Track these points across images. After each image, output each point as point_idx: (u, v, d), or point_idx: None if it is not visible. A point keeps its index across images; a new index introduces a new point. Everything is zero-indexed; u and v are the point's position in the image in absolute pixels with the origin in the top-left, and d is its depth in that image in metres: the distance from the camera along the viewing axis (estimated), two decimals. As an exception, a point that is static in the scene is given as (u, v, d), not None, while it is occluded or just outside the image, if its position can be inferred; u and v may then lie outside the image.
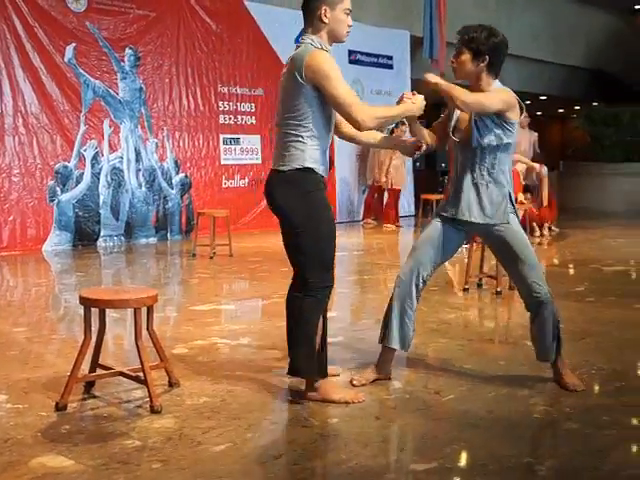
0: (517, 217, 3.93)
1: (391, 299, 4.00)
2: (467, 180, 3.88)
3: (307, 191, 3.54)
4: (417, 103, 3.70)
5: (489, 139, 3.79)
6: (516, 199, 9.22)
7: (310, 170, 3.54)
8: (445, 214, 3.97)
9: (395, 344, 3.99)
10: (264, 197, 3.72)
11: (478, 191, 3.86)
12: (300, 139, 3.53)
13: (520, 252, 3.86)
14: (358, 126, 3.51)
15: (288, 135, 3.56)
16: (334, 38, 3.62)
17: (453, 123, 3.93)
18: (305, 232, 3.54)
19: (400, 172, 12.83)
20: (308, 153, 3.53)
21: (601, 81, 20.67)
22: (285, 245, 3.69)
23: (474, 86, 3.86)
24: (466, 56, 3.81)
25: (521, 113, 3.84)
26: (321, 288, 3.63)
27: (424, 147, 3.99)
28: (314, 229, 3.53)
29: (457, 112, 3.90)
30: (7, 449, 3.09)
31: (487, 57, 3.78)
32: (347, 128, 3.83)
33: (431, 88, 3.74)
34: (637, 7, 25.18)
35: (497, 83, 3.87)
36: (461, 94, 3.67)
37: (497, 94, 3.80)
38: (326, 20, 3.55)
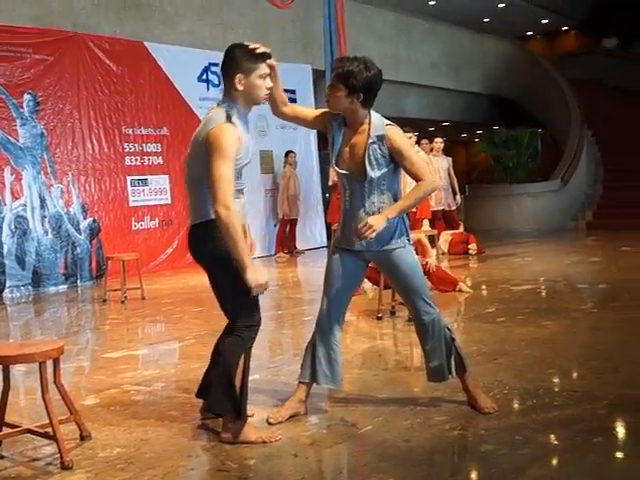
0: (409, 240, 3.97)
1: (314, 341, 4.02)
2: (359, 210, 3.90)
3: (220, 238, 3.52)
4: None
5: (382, 172, 3.83)
6: (421, 220, 9.47)
7: None
8: (342, 246, 4.01)
9: (328, 383, 4.03)
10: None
11: None
12: (209, 196, 3.54)
13: (410, 274, 3.93)
14: (214, 204, 3.41)
15: (198, 194, 3.60)
16: (251, 102, 3.68)
17: (336, 155, 3.93)
18: (222, 277, 3.61)
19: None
20: None
21: (500, 105, 21.30)
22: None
23: (349, 118, 3.88)
24: (341, 92, 3.78)
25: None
26: (245, 328, 3.63)
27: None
28: (229, 273, 3.51)
29: (339, 144, 3.92)
30: None
31: (361, 94, 3.77)
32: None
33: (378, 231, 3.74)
34: (529, 33, 26.22)
35: (373, 113, 3.89)
36: (416, 197, 3.84)
37: (415, 154, 3.95)
38: (240, 87, 3.59)
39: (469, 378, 4.05)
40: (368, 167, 3.81)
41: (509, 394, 4.26)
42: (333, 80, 3.82)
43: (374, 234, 3.70)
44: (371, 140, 3.82)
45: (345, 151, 3.91)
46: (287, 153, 13.52)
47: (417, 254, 7.91)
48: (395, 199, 3.91)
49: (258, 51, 3.61)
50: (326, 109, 3.98)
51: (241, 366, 3.63)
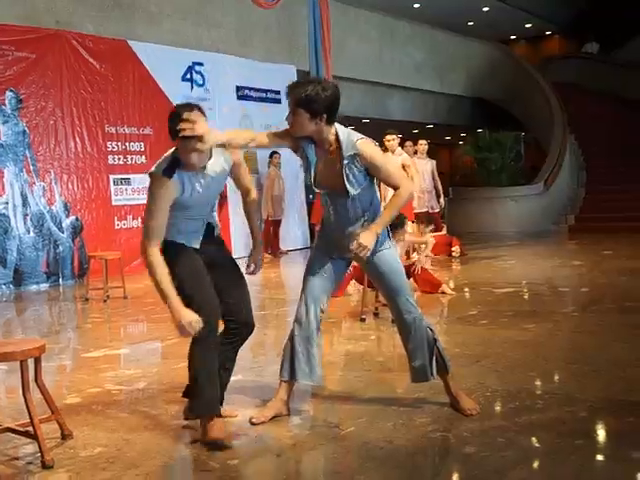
0: (391, 241, 4.02)
1: (292, 337, 4.02)
2: (345, 225, 3.94)
3: (170, 258, 3.69)
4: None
5: (361, 187, 3.85)
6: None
7: (170, 242, 3.76)
8: (328, 254, 4.02)
9: (306, 379, 4.01)
10: None
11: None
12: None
13: (393, 273, 3.95)
14: (142, 246, 3.66)
15: None
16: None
17: (313, 176, 3.91)
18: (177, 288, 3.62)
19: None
20: (170, 233, 3.75)
21: (484, 108, 21.40)
22: None
23: (317, 138, 3.85)
24: (303, 117, 3.74)
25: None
26: (202, 328, 3.58)
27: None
28: (176, 283, 3.58)
29: (313, 164, 3.90)
30: None
31: (325, 115, 3.75)
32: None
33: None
34: (513, 37, 26.36)
35: (340, 129, 3.86)
36: (397, 207, 3.85)
37: (389, 164, 4.00)
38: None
39: (451, 380, 4.06)
40: (348, 186, 3.82)
41: (491, 396, 4.27)
42: (293, 107, 3.78)
43: (369, 253, 3.77)
44: (346, 161, 3.81)
45: (321, 171, 3.90)
46: (272, 154, 13.49)
47: (418, 253, 8.11)
48: (376, 208, 3.96)
49: (181, 134, 3.53)
50: None
51: (199, 363, 3.62)
